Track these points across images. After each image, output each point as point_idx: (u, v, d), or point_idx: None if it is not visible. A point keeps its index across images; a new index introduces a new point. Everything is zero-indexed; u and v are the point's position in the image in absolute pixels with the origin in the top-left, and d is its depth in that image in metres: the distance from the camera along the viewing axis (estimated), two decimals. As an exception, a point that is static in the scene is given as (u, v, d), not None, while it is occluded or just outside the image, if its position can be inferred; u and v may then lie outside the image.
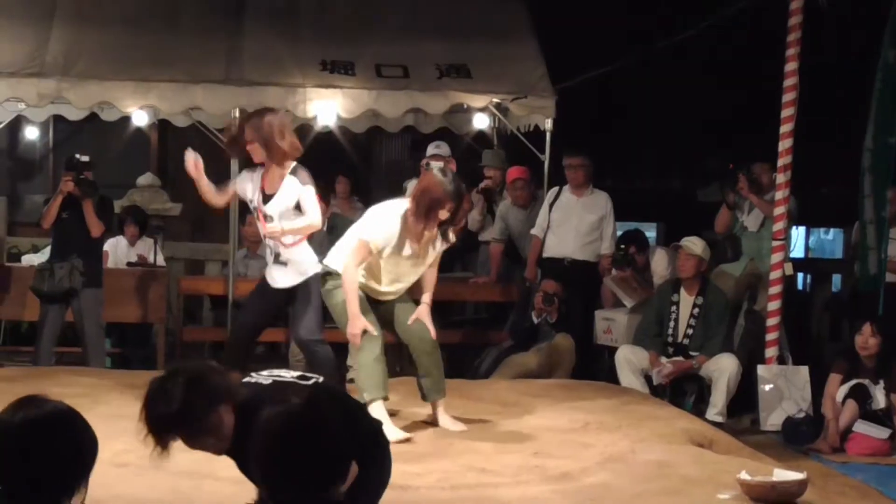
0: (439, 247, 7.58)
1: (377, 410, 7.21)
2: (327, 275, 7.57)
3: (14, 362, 11.04)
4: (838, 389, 9.01)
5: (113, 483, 5.77)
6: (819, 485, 6.83)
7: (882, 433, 8.68)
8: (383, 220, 7.38)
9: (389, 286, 7.59)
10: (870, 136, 10.19)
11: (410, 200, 7.36)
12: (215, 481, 6.07)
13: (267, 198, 7.88)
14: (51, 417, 3.36)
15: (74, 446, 3.35)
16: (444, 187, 7.25)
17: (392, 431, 6.99)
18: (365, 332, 7.30)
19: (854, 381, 8.96)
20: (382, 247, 7.33)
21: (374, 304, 7.58)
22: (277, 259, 7.97)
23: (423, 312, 7.62)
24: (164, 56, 11.31)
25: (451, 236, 7.56)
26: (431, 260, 7.62)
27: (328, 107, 11.28)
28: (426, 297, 7.70)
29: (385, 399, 7.45)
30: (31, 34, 11.30)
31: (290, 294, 7.97)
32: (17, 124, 14.19)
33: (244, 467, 4.52)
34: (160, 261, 11.92)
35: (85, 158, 10.23)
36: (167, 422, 4.36)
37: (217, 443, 4.44)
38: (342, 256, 7.44)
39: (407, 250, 7.41)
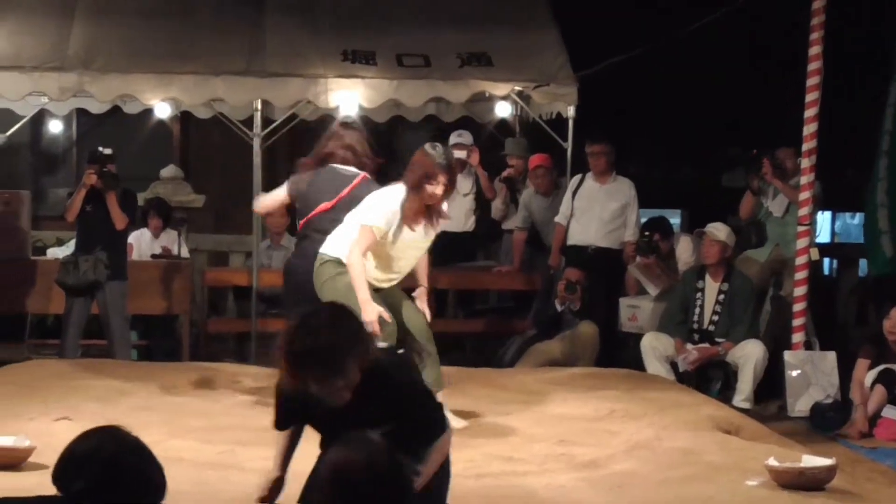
0: (434, 233, 7.31)
1: None
2: (325, 263, 7.24)
3: (40, 355, 11.07)
4: (866, 374, 8.98)
5: (139, 475, 5.76)
6: (847, 470, 6.79)
7: (911, 418, 8.65)
8: (383, 203, 7.11)
9: (388, 274, 7.35)
10: (889, 119, 10.14)
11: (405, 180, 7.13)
12: (241, 472, 6.07)
13: None
14: (124, 450, 3.41)
15: (143, 480, 3.41)
16: (435, 160, 6.99)
17: None
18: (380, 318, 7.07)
19: (882, 366, 8.92)
20: (386, 230, 7.06)
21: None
22: None
23: (421, 294, 7.44)
24: (185, 48, 11.33)
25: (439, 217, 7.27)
26: (429, 244, 7.40)
27: (350, 97, 11.28)
28: (424, 281, 7.51)
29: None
30: (53, 28, 11.33)
31: None
32: (40, 118, 14.22)
33: (330, 429, 4.58)
34: (184, 252, 11.92)
35: (108, 151, 10.25)
36: (311, 355, 4.41)
37: (343, 388, 4.46)
38: (343, 245, 7.17)
39: (409, 234, 7.16)
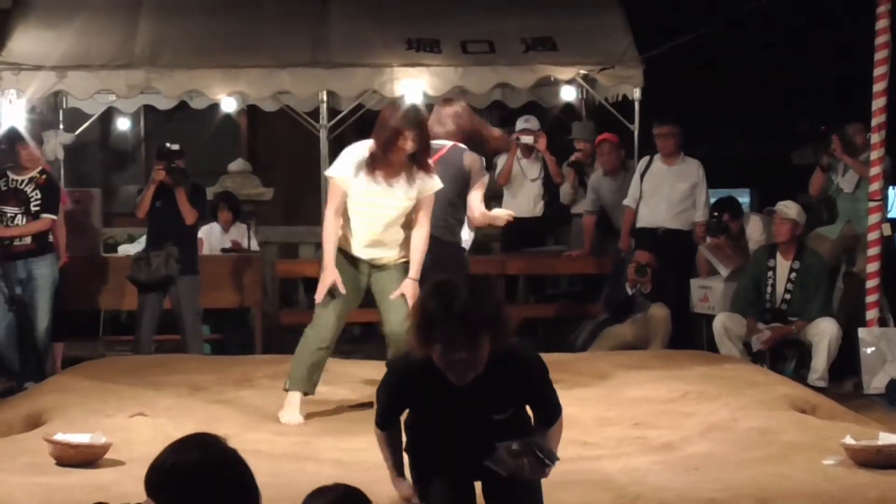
0: (416, 191, 7.01)
1: (292, 399, 7.15)
2: None
3: (114, 352, 11.16)
4: (942, 350, 8.89)
5: (215, 468, 5.79)
6: (926, 447, 6.73)
7: None
8: (346, 153, 7.02)
9: (368, 244, 7.12)
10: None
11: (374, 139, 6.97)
12: (316, 463, 6.10)
13: None
14: (218, 460, 3.38)
15: (240, 491, 3.37)
16: (401, 114, 6.89)
17: (290, 414, 7.08)
18: (331, 296, 7.07)
19: (958, 341, 8.83)
20: (349, 178, 6.92)
21: (358, 274, 7.22)
22: None
23: (407, 287, 7.04)
24: (250, 42, 11.40)
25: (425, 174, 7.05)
26: (408, 207, 7.06)
27: (415, 85, 11.30)
28: (413, 272, 7.10)
29: (306, 394, 7.22)
30: (119, 27, 11.46)
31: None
32: (108, 116, 14.37)
33: (448, 414, 4.53)
34: (254, 246, 11.99)
35: (176, 147, 10.32)
36: (455, 321, 4.28)
37: (479, 362, 4.34)
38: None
39: (382, 188, 6.94)
